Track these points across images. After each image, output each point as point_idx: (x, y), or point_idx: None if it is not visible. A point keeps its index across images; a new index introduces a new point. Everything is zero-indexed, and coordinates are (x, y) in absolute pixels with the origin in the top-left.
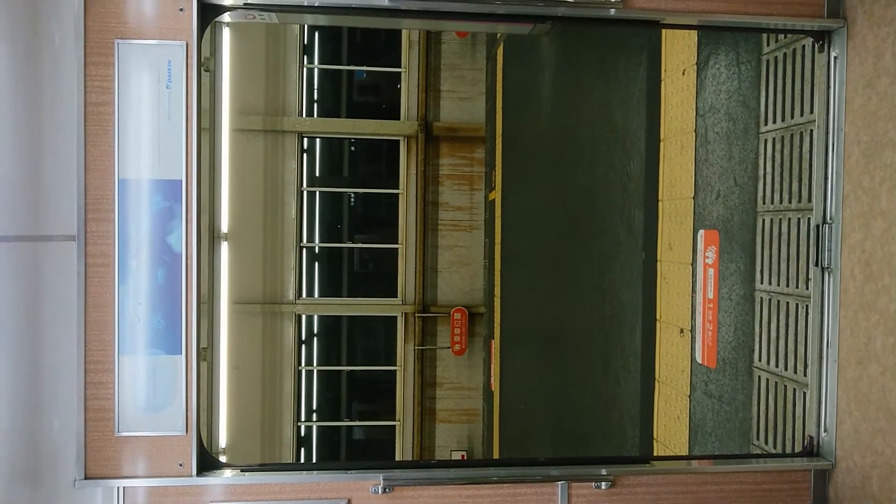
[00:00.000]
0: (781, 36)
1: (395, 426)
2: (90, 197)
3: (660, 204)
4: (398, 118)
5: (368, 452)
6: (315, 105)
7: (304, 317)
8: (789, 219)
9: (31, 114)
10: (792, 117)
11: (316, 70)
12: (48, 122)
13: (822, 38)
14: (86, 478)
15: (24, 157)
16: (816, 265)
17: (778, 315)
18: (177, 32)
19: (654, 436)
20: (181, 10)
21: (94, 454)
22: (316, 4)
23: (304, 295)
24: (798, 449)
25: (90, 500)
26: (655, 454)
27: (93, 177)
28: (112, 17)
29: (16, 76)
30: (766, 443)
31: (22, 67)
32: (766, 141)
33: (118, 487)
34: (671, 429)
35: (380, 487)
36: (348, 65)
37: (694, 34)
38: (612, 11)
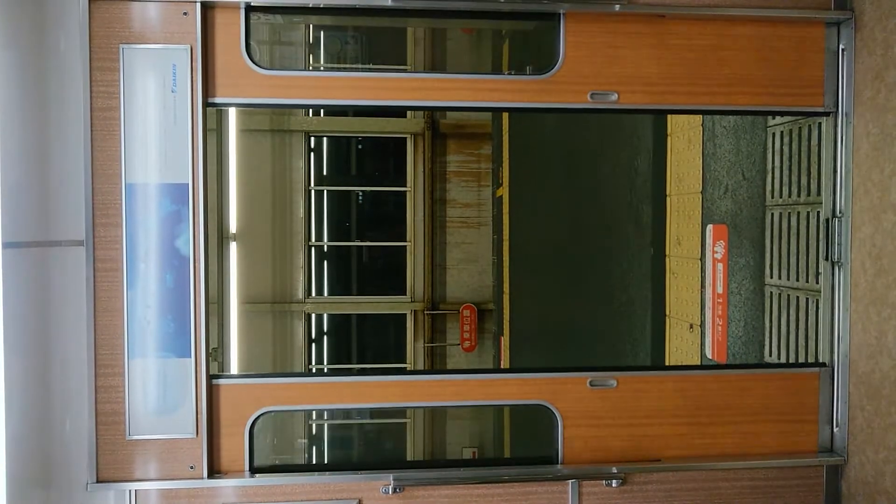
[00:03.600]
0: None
1: (405, 423)
2: (98, 202)
3: (668, 199)
4: (404, 116)
5: (380, 449)
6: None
7: (313, 315)
8: (798, 213)
9: (38, 120)
10: None
11: (322, 70)
12: (55, 127)
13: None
14: (98, 481)
15: (32, 163)
16: (826, 259)
17: (788, 309)
18: (181, 36)
19: None
20: (185, 13)
21: (106, 457)
22: (321, 5)
23: (313, 294)
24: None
25: (102, 503)
26: None
27: (100, 182)
28: (117, 22)
29: (22, 82)
30: None
31: (28, 73)
32: (773, 134)
33: (130, 490)
34: None
35: (390, 488)
36: (353, 64)
37: None
38: (618, 7)
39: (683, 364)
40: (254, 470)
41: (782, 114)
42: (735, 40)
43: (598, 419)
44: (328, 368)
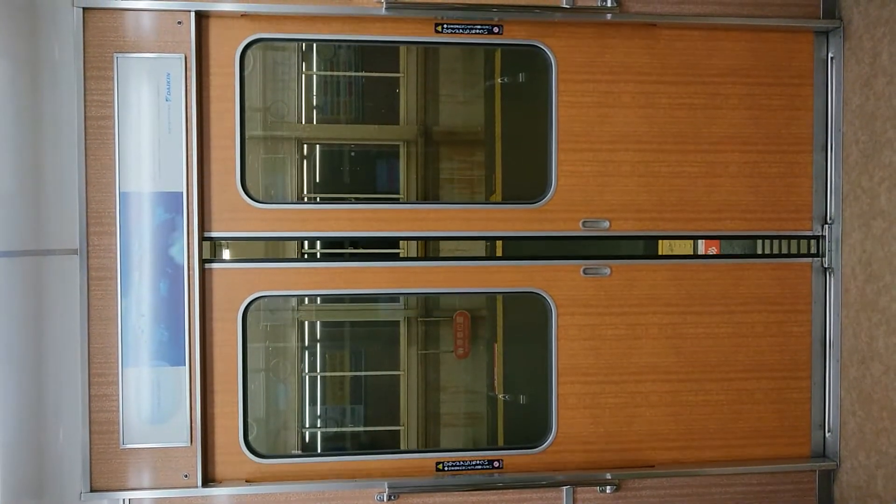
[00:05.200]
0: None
1: (399, 431)
2: (92, 210)
3: None
4: (397, 123)
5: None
6: (314, 111)
7: (306, 323)
8: None
9: (32, 128)
10: None
11: (315, 77)
12: (49, 136)
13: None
14: (91, 490)
15: (26, 171)
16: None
17: None
18: (175, 45)
19: None
20: (179, 22)
21: (100, 466)
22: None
23: (306, 301)
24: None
25: None
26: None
27: (94, 190)
28: (111, 31)
29: (16, 91)
30: None
31: (22, 82)
32: None
33: (124, 499)
34: None
35: (385, 495)
36: (346, 71)
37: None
38: (609, 16)
39: (676, 254)
40: (250, 476)
41: (771, 238)
42: (726, 167)
43: (592, 307)
44: (321, 376)
